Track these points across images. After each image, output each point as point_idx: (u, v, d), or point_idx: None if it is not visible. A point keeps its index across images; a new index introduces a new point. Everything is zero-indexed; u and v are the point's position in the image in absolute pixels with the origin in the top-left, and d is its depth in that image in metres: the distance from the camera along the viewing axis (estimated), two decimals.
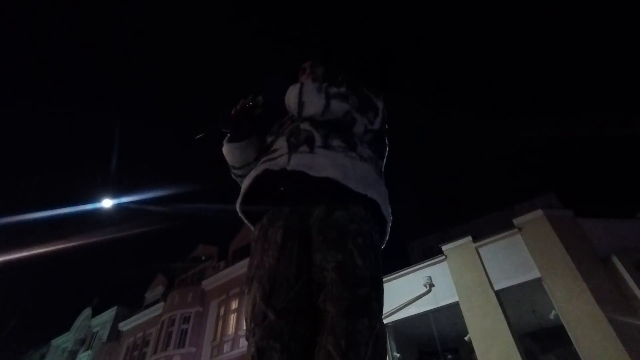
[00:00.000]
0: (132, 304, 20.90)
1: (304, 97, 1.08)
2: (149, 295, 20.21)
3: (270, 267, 0.91)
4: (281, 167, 1.00)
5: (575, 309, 6.98)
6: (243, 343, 12.71)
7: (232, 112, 1.18)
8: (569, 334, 6.95)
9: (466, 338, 8.23)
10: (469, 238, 9.15)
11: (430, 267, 9.38)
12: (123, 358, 17.59)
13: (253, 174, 1.07)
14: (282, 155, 1.05)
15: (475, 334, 7.88)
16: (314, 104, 1.07)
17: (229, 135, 1.23)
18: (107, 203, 13.14)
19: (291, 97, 1.11)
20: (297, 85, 1.12)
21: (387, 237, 1.07)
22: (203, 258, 17.93)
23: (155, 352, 14.33)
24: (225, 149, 1.25)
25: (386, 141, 1.27)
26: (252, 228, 1.10)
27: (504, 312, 7.81)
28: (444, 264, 9.23)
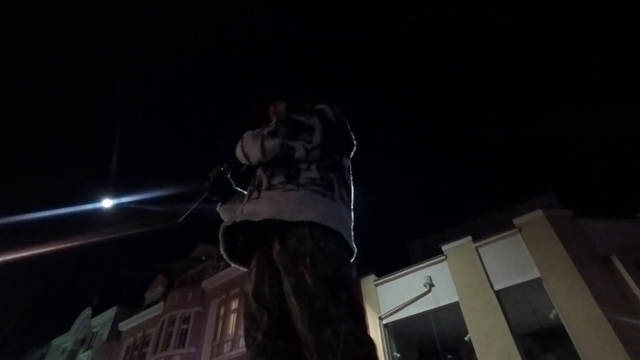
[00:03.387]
0: (132, 304, 20.90)
1: (246, 149, 1.25)
2: (149, 295, 20.22)
3: (252, 303, 1.08)
4: (233, 221, 1.16)
5: (575, 309, 6.98)
6: (243, 343, 12.72)
7: (207, 184, 1.39)
8: (569, 334, 6.95)
9: (466, 338, 8.23)
10: (469, 238, 9.15)
11: (430, 267, 9.39)
12: (123, 358, 17.59)
13: (220, 230, 1.21)
14: (240, 208, 1.23)
15: (475, 334, 7.88)
16: (254, 152, 1.23)
17: (219, 202, 1.45)
18: (107, 203, 13.16)
19: (238, 153, 1.29)
20: (239, 142, 1.29)
21: (348, 239, 1.12)
22: (203, 258, 17.93)
23: (155, 352, 14.33)
24: (221, 215, 1.46)
25: (344, 142, 1.35)
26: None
27: (504, 312, 7.81)
28: (444, 264, 9.23)
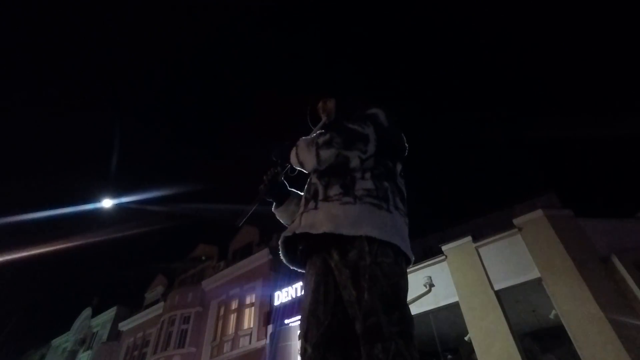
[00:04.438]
0: (132, 304, 20.91)
1: (301, 157, 1.27)
2: (149, 295, 20.21)
3: (306, 310, 1.14)
4: (293, 232, 1.21)
5: (575, 309, 6.98)
6: (243, 343, 12.72)
7: (262, 186, 1.42)
8: (569, 334, 6.94)
9: (466, 338, 8.23)
10: (469, 238, 9.14)
11: (430, 267, 9.38)
12: (123, 358, 17.60)
13: (281, 239, 1.29)
14: (298, 217, 1.27)
15: (475, 334, 7.88)
16: (309, 160, 1.25)
17: (274, 203, 1.49)
18: (107, 203, 13.18)
19: (293, 160, 1.31)
20: (294, 148, 1.31)
21: (405, 249, 1.14)
22: (203, 258, 17.93)
23: (155, 352, 14.33)
24: (277, 215, 1.51)
25: (397, 147, 1.36)
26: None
27: (504, 312, 7.80)
28: (444, 264, 9.23)
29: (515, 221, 8.69)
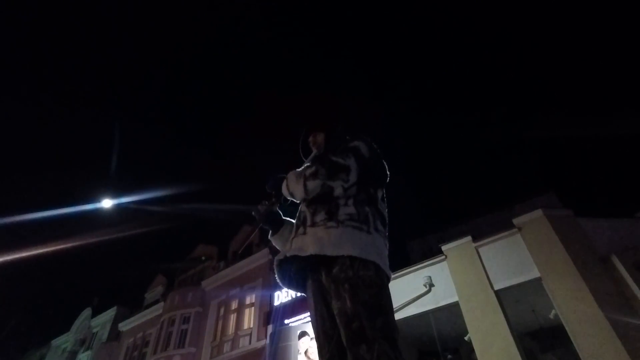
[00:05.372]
0: (132, 304, 20.91)
1: (290, 188, 1.43)
2: (149, 295, 20.21)
3: (315, 330, 1.27)
4: (284, 255, 1.33)
5: (575, 308, 6.98)
6: (243, 343, 12.72)
7: (258, 216, 1.56)
8: (569, 334, 6.95)
9: (466, 338, 8.23)
10: (469, 238, 9.14)
11: (430, 267, 9.39)
12: (123, 358, 17.60)
13: (275, 263, 1.40)
14: (289, 242, 1.41)
15: (475, 334, 7.88)
16: (298, 191, 1.40)
17: (270, 230, 1.62)
18: (107, 203, 13.19)
19: (284, 191, 1.46)
20: (284, 180, 1.46)
21: (384, 267, 1.25)
22: (203, 258, 17.93)
23: (155, 352, 14.33)
24: (273, 242, 1.63)
25: (378, 175, 1.49)
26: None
27: (504, 312, 7.81)
28: (444, 264, 9.23)
29: (515, 221, 8.69)
